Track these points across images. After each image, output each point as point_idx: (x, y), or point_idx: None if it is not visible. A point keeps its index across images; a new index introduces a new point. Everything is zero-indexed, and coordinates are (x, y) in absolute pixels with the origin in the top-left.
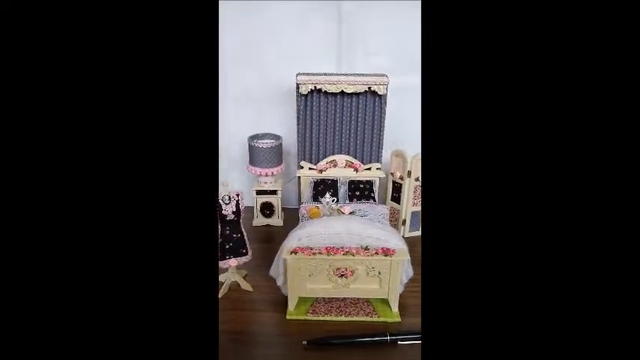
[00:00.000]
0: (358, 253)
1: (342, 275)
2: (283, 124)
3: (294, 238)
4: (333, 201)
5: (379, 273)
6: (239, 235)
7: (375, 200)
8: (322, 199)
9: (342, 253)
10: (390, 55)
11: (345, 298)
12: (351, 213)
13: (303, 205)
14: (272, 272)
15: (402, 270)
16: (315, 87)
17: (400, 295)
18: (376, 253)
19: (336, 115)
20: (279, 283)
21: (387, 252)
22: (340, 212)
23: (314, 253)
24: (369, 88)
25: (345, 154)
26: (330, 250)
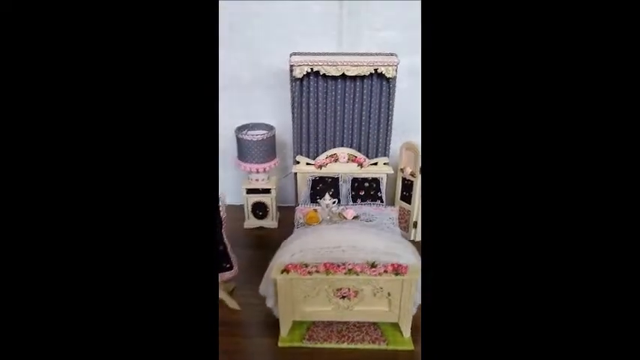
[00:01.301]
0: (363, 271)
1: (344, 297)
2: (277, 112)
3: (286, 253)
4: (333, 203)
5: (388, 294)
6: (221, 247)
7: (382, 201)
8: (321, 201)
9: (344, 271)
10: (401, 30)
11: (347, 322)
12: (354, 218)
13: (299, 207)
14: (261, 290)
15: (415, 289)
16: (311, 69)
17: (413, 316)
18: (385, 272)
19: (337, 102)
20: (269, 304)
21: (397, 269)
22: (342, 217)
23: (309, 272)
24: (376, 70)
25: (347, 146)
26: (329, 268)
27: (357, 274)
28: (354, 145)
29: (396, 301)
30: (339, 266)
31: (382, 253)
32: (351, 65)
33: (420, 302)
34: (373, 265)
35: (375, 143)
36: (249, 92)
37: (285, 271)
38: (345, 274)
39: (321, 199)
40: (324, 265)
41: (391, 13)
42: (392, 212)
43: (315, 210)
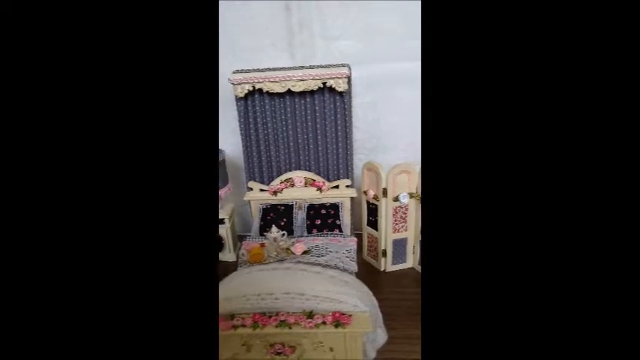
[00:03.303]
0: (298, 322)
1: (279, 353)
2: (228, 135)
3: None
4: (282, 236)
5: (331, 349)
6: None
7: (341, 230)
8: (268, 234)
9: (275, 323)
10: (358, 39)
11: None
12: (304, 252)
13: (246, 242)
14: None
15: (362, 343)
16: (253, 87)
17: None
18: (323, 323)
19: (287, 121)
20: None
21: (338, 319)
22: (290, 252)
23: (234, 327)
24: (324, 83)
25: (305, 169)
26: (257, 320)
27: (290, 327)
28: (312, 167)
29: (341, 358)
30: (270, 317)
31: (322, 300)
32: (296, 80)
33: (373, 355)
34: (310, 316)
35: (335, 164)
36: None
37: None
38: (277, 326)
39: (268, 231)
40: (253, 316)
41: (345, 21)
42: (350, 243)
43: (262, 245)
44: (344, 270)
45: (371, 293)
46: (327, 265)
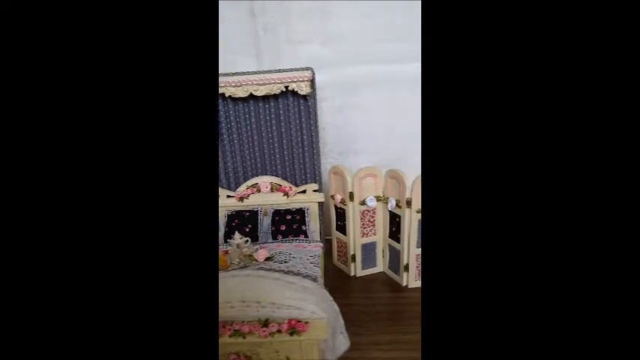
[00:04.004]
0: (252, 331)
1: None
2: None
3: None
4: (246, 242)
5: (287, 358)
6: None
7: (306, 236)
8: (231, 241)
9: (229, 333)
10: (323, 43)
11: None
12: (267, 259)
13: None
14: None
15: (319, 351)
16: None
17: None
18: (278, 331)
19: (252, 126)
20: None
21: (294, 327)
22: (253, 259)
23: None
24: (287, 87)
25: (272, 174)
26: None
27: (244, 337)
28: (279, 172)
29: None
30: (224, 327)
31: (278, 307)
32: (257, 84)
33: None
34: (265, 324)
35: (302, 169)
36: None
37: None
38: (231, 336)
39: (231, 238)
40: None
41: (309, 26)
42: (315, 249)
43: (226, 252)
44: (306, 276)
45: (331, 299)
46: (289, 272)
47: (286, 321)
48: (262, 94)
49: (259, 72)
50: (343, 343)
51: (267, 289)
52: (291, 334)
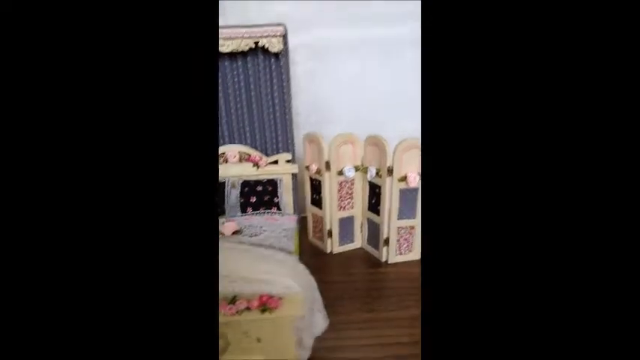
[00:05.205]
0: (219, 309)
1: None
2: None
3: None
4: None
5: (258, 340)
6: None
7: (279, 208)
8: None
9: None
10: (295, 3)
11: None
12: (235, 233)
13: None
14: None
15: (293, 329)
16: None
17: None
18: (247, 309)
19: (217, 89)
20: None
21: (265, 303)
22: (220, 233)
23: None
24: (256, 43)
25: (241, 143)
26: None
27: None
28: (249, 140)
29: (271, 349)
30: None
31: (249, 282)
32: (224, 38)
33: (311, 342)
34: (232, 301)
35: (274, 137)
36: None
37: None
38: None
39: None
40: None
41: None
42: (288, 222)
43: None
44: (280, 249)
45: (308, 272)
46: (261, 245)
47: (257, 297)
48: (229, 50)
49: (226, 26)
50: (320, 322)
51: (236, 262)
52: (263, 311)
